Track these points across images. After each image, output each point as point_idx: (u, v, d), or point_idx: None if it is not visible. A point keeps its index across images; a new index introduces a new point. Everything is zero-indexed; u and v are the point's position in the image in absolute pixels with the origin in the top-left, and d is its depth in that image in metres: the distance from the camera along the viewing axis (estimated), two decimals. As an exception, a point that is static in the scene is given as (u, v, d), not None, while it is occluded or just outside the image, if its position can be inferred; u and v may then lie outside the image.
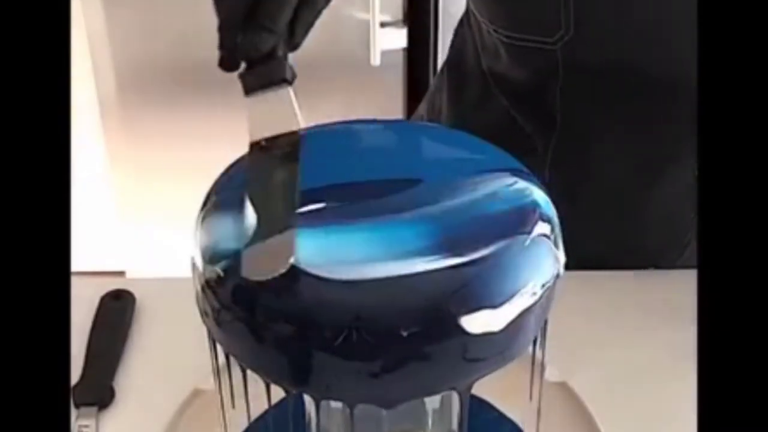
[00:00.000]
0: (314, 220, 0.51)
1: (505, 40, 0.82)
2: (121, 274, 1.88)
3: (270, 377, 0.50)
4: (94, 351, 0.75)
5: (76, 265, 0.59)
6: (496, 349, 0.50)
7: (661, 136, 0.75)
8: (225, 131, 1.71)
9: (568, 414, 0.68)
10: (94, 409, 0.71)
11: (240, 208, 0.52)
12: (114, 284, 0.81)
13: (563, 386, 0.70)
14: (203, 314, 0.52)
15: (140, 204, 1.89)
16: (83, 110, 1.78)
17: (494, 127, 0.82)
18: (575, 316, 0.77)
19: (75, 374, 0.73)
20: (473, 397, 0.66)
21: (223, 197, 0.54)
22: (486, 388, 0.57)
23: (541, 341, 0.55)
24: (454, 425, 0.58)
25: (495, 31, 0.82)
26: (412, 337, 0.46)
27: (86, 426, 0.70)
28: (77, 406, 0.71)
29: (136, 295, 0.81)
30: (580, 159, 0.61)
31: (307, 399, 0.58)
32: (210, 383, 0.62)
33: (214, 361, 0.54)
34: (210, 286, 0.50)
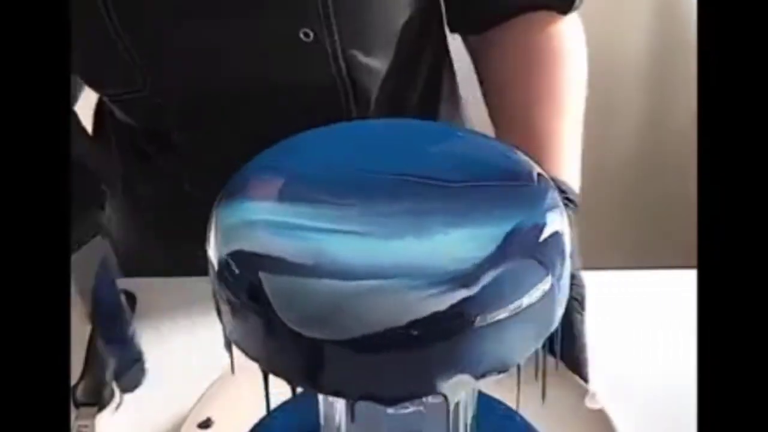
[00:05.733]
0: (322, 221, 0.51)
1: (105, 98, 0.92)
2: (121, 274, 1.87)
3: (282, 374, 0.50)
4: (94, 351, 0.75)
5: (76, 265, 0.59)
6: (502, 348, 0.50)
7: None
8: (225, 131, 1.71)
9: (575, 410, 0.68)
10: (94, 409, 0.71)
11: (256, 200, 0.52)
12: (114, 284, 0.81)
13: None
14: (218, 310, 0.52)
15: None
16: (83, 110, 1.77)
17: None
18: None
19: (75, 374, 0.73)
20: (481, 393, 0.66)
21: (237, 191, 0.53)
22: (492, 386, 0.56)
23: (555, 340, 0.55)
24: (461, 422, 0.58)
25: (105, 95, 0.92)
26: (417, 335, 0.46)
27: (86, 426, 0.70)
28: (77, 406, 0.71)
29: (136, 295, 0.81)
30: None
31: (320, 396, 0.58)
32: (210, 383, 0.62)
33: (230, 358, 0.53)
34: (224, 281, 0.50)
